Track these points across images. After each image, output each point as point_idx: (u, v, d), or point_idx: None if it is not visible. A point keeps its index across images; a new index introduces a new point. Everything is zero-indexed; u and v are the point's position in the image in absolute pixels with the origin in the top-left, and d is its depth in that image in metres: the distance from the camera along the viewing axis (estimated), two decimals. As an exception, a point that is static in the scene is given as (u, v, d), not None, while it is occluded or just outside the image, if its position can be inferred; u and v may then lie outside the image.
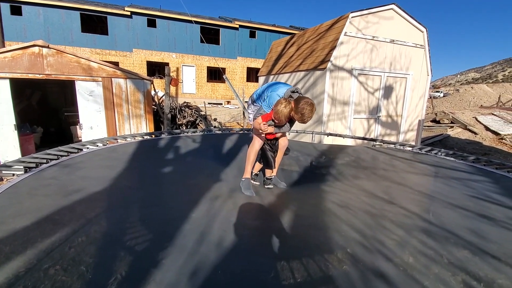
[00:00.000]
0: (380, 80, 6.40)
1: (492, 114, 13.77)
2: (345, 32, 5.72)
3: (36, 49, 5.83)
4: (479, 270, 1.31)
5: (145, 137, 4.19)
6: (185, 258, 1.23)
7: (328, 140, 5.60)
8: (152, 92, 7.27)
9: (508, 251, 1.48)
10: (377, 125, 6.66)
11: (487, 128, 11.94)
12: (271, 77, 8.00)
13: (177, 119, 7.83)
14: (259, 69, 9.82)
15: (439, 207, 2.09)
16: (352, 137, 5.07)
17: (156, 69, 18.80)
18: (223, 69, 19.77)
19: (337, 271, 1.24)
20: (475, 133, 11.59)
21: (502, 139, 10.87)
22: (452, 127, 12.58)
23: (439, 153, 3.64)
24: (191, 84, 19.86)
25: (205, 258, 1.24)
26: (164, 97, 7.40)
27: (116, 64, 16.10)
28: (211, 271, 1.15)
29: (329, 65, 5.68)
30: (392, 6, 6.10)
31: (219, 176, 2.60)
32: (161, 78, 13.33)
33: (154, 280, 1.07)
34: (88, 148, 3.40)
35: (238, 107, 16.60)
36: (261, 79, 8.70)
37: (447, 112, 14.44)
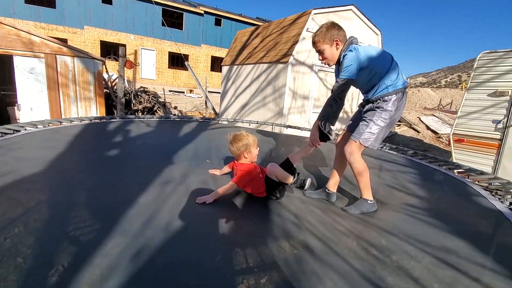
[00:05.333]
0: (338, 77, 6.72)
1: (433, 115, 15.34)
2: (307, 28, 5.87)
3: (-38, 14, 5.02)
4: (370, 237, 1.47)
5: (94, 121, 3.89)
6: (128, 242, 1.18)
7: (288, 132, 5.75)
8: (106, 75, 6.74)
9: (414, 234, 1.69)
10: (334, 120, 7.01)
11: (428, 128, 13.29)
12: (235, 67, 7.93)
13: (132, 104, 7.37)
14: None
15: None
16: (310, 130, 5.28)
17: (112, 50, 17.43)
18: (185, 56, 19.06)
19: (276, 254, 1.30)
20: (418, 132, 12.84)
21: (439, 137, 12.20)
22: (399, 125, 13.75)
23: (384, 147, 3.97)
24: (150, 69, 18.84)
25: (149, 242, 1.20)
26: (117, 79, 6.91)
27: (64, 41, 14.59)
28: (153, 255, 1.12)
29: (291, 59, 5.80)
30: (352, 7, 6.40)
31: (171, 160, 2.52)
32: (116, 59, 12.40)
33: (92, 264, 1.02)
34: (26, 129, 3.06)
35: (201, 97, 16.20)
36: (225, 69, 8.58)
37: (396, 112, 15.71)
